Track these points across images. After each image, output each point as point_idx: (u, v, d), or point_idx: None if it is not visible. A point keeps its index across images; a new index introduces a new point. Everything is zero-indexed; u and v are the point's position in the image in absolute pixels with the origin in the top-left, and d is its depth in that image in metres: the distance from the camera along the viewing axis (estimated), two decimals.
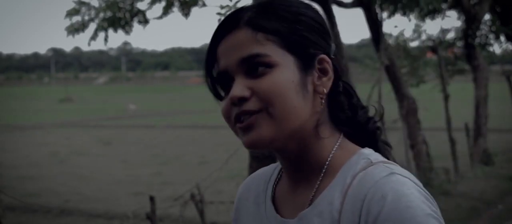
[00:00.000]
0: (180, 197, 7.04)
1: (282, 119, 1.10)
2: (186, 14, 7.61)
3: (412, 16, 12.02)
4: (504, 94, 16.11)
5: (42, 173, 13.97)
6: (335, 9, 9.10)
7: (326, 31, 1.18)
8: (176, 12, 7.70)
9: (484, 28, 13.35)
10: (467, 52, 12.91)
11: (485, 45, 13.42)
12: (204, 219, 6.79)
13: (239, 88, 1.11)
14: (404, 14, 10.19)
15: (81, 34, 7.94)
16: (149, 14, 8.26)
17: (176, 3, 7.68)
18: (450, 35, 15.31)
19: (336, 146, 1.16)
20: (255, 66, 1.10)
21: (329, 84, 1.15)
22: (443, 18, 14.08)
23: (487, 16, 13.45)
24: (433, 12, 13.49)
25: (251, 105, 1.10)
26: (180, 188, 9.11)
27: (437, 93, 13.86)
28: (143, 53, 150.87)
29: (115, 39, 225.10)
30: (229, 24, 1.15)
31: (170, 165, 14.95)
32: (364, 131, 1.19)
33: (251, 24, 1.13)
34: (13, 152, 17.95)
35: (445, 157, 11.92)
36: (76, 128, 25.87)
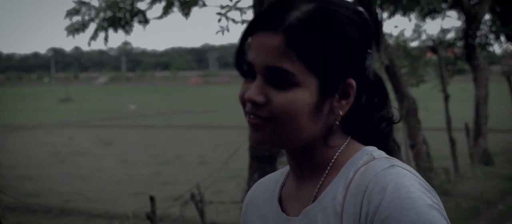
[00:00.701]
0: (180, 197, 7.04)
1: (287, 135, 1.12)
2: (186, 14, 7.62)
3: (412, 16, 12.03)
4: (504, 94, 16.10)
5: (42, 173, 13.96)
6: None
7: (366, 49, 1.15)
8: (176, 12, 7.71)
9: (484, 28, 13.36)
10: (467, 52, 12.91)
11: (485, 45, 13.42)
12: (204, 219, 6.79)
13: (256, 91, 1.11)
14: (404, 14, 10.19)
15: (81, 34, 7.94)
16: (149, 14, 8.27)
17: (176, 3, 7.68)
18: (450, 35, 15.29)
19: (342, 147, 1.16)
20: (277, 79, 1.10)
21: (347, 108, 1.14)
22: (443, 18, 14.10)
23: (487, 16, 13.45)
24: (433, 12, 13.50)
25: (262, 111, 1.11)
26: (180, 188, 9.10)
27: (437, 93, 13.85)
28: (143, 53, 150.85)
29: (115, 39, 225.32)
30: (269, 21, 1.12)
31: (170, 165, 14.94)
32: (375, 134, 1.19)
33: (288, 36, 1.10)
34: (13, 152, 17.95)
35: (445, 157, 11.92)
36: (76, 128, 25.87)
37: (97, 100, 47.86)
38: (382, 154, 1.14)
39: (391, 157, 1.14)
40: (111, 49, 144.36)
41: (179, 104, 39.96)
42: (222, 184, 10.33)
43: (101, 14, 7.99)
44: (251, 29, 1.14)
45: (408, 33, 32.54)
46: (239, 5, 6.35)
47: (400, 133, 10.62)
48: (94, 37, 8.03)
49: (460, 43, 14.37)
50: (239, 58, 1.17)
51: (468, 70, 14.04)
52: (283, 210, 1.21)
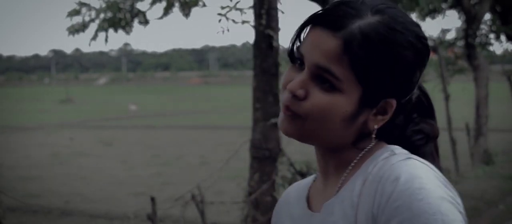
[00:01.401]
0: (181, 197, 7.04)
1: (317, 134, 1.14)
2: (186, 14, 7.62)
3: (412, 16, 12.01)
4: (504, 94, 16.10)
5: (43, 174, 13.97)
6: None
7: (417, 74, 1.14)
8: (176, 13, 7.72)
9: (484, 28, 13.37)
10: (468, 51, 12.91)
11: (485, 45, 13.42)
12: (204, 219, 6.79)
13: (299, 84, 1.12)
14: None
15: (82, 35, 7.97)
16: (149, 15, 8.27)
17: (177, 4, 7.69)
18: (451, 35, 15.34)
19: (368, 147, 1.16)
20: (324, 80, 1.10)
21: (381, 123, 1.15)
22: (443, 18, 14.10)
23: (487, 16, 13.46)
24: (434, 11, 13.50)
25: (298, 107, 1.12)
26: (180, 189, 9.10)
27: (437, 93, 13.86)
28: (144, 53, 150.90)
29: (116, 40, 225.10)
30: (332, 21, 1.11)
31: (171, 165, 14.95)
32: (406, 145, 1.18)
33: (347, 42, 1.09)
34: (14, 152, 17.96)
35: (445, 157, 11.91)
36: (77, 128, 25.87)
37: (97, 101, 47.87)
38: (404, 151, 1.14)
39: (412, 155, 1.13)
40: (112, 50, 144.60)
41: (179, 105, 39.98)
42: (222, 185, 10.33)
43: (102, 15, 8.01)
44: (312, 22, 1.14)
45: None
46: (239, 5, 6.35)
47: None
48: (94, 37, 8.04)
49: (460, 43, 14.37)
50: (293, 44, 1.18)
51: (469, 70, 14.05)
52: (309, 207, 1.23)
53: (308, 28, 1.15)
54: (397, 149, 1.14)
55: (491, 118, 13.25)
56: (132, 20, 8.09)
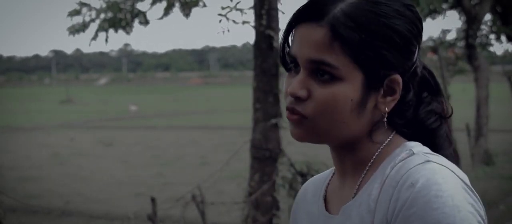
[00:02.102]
0: (181, 198, 7.03)
1: (328, 131, 1.10)
2: (187, 14, 7.62)
3: None
4: (505, 95, 16.10)
5: (43, 174, 13.97)
6: None
7: (413, 43, 1.10)
8: (177, 13, 7.72)
9: (484, 28, 13.37)
10: (468, 52, 12.91)
11: (485, 45, 13.41)
12: (205, 220, 6.79)
13: (298, 85, 1.09)
14: None
15: (82, 36, 7.98)
16: (149, 15, 8.27)
17: (177, 4, 7.69)
18: (451, 36, 15.34)
19: (385, 143, 1.12)
20: (320, 72, 1.07)
21: (392, 104, 1.10)
22: (443, 18, 14.10)
23: (487, 16, 13.46)
24: (434, 12, 13.49)
25: (303, 108, 1.09)
26: (181, 189, 9.10)
27: None
28: (144, 54, 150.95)
29: (116, 40, 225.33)
30: (314, 13, 1.09)
31: (171, 166, 14.95)
32: (422, 129, 1.14)
33: (333, 27, 1.06)
34: (14, 153, 17.95)
35: None
36: (77, 129, 25.87)
37: (98, 101, 47.87)
38: (423, 149, 1.09)
39: (432, 153, 1.08)
40: (112, 50, 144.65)
41: (179, 105, 39.98)
42: (223, 185, 10.33)
43: (102, 15, 8.02)
44: (295, 21, 1.11)
45: None
46: (239, 6, 6.35)
47: None
48: (94, 37, 8.05)
49: (460, 44, 14.37)
50: (283, 51, 1.15)
51: (469, 71, 14.05)
52: (327, 208, 1.20)
53: (293, 30, 1.12)
54: (416, 147, 1.09)
55: (491, 118, 13.25)
56: (132, 20, 8.10)
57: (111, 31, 8.04)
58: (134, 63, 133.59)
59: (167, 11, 7.78)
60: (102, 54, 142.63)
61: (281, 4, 6.18)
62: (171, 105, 40.57)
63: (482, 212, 1.02)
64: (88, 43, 8.24)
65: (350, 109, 1.07)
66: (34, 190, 11.84)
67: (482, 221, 1.01)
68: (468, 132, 12.66)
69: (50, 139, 21.67)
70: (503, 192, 9.83)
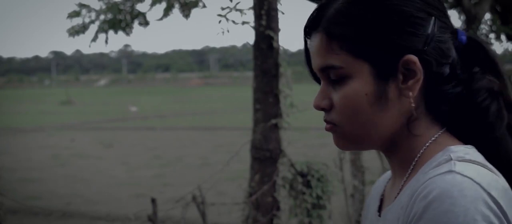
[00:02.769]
0: (182, 198, 7.04)
1: (359, 134, 1.07)
2: (186, 15, 7.63)
3: None
4: None
5: (43, 176, 13.97)
6: None
7: (419, 15, 1.03)
8: (176, 14, 7.73)
9: (484, 28, 13.35)
10: None
11: None
12: (206, 220, 6.79)
13: (320, 97, 1.09)
14: None
15: (82, 37, 7.99)
16: (149, 16, 8.28)
17: (177, 5, 7.69)
18: None
19: (430, 141, 1.06)
20: (331, 78, 1.07)
21: (418, 86, 1.03)
22: None
23: (487, 16, 13.45)
24: None
25: (331, 117, 1.08)
26: (181, 190, 9.10)
27: None
28: (144, 55, 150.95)
29: (116, 41, 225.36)
30: (311, 23, 1.09)
31: (172, 166, 14.95)
32: (470, 110, 1.05)
33: (326, 30, 1.06)
34: (14, 154, 17.96)
35: None
36: (77, 130, 25.88)
37: (98, 103, 47.87)
38: (468, 155, 1.00)
39: (467, 160, 0.98)
40: (112, 51, 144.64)
41: (180, 106, 39.97)
42: (223, 186, 10.34)
43: (102, 16, 8.02)
44: (305, 36, 1.12)
45: None
46: (239, 6, 6.35)
47: None
48: (94, 39, 8.05)
49: None
50: (310, 70, 1.15)
51: None
52: (381, 207, 1.18)
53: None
54: (460, 152, 1.01)
55: None
56: (132, 22, 8.10)
57: (111, 32, 8.04)
58: (134, 64, 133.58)
59: (167, 12, 7.78)
60: (102, 55, 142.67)
61: (280, 4, 6.18)
62: (171, 106, 40.57)
63: None
64: (88, 45, 8.23)
65: (368, 104, 1.04)
66: (35, 192, 11.85)
67: None
68: None
69: (51, 140, 21.67)
70: None
